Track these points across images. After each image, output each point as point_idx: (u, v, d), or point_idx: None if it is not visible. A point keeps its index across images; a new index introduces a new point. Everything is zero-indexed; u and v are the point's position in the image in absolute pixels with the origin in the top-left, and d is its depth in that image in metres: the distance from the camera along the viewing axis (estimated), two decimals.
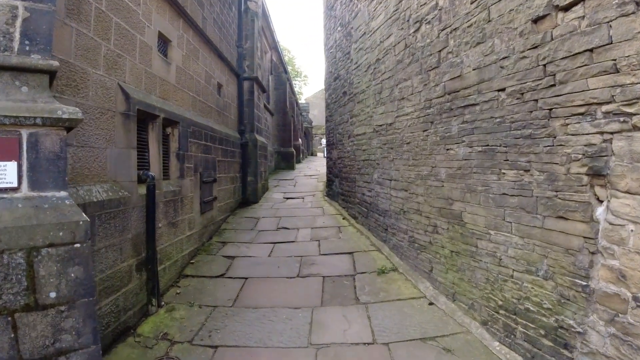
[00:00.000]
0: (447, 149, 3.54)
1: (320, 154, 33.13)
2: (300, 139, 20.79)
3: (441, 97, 3.61)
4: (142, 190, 3.62)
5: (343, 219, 6.74)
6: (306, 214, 7.23)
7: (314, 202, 8.29)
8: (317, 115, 45.76)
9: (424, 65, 3.93)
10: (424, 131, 3.98)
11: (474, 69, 3.05)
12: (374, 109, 5.41)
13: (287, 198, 8.92)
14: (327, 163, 9.22)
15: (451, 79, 3.41)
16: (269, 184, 10.65)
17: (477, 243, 3.06)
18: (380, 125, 5.18)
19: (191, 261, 4.93)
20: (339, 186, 7.62)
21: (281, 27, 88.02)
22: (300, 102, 30.30)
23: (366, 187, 5.85)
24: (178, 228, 4.53)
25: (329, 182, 8.71)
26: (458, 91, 3.31)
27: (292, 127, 16.22)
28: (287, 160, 15.16)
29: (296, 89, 30.54)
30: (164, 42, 4.40)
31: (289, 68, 27.09)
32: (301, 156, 20.08)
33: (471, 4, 3.06)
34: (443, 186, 3.61)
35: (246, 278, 4.48)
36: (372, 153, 5.56)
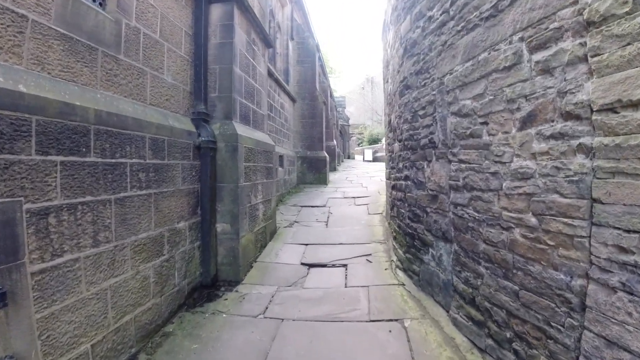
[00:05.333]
0: None
1: (358, 157, 27.93)
2: (334, 139, 15.91)
3: None
4: None
5: None
6: None
7: (375, 299, 3.30)
8: (353, 113, 41.11)
9: None
10: None
11: None
12: None
13: (310, 265, 4.08)
14: (393, 188, 4.27)
15: None
16: (280, 217, 5.90)
17: None
18: None
19: None
20: (454, 270, 2.65)
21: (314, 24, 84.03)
22: (335, 97, 25.56)
23: None
24: None
25: (413, 244, 3.70)
26: None
27: (323, 121, 11.17)
28: (316, 170, 10.25)
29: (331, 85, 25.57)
30: None
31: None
32: (337, 161, 15.18)
33: None
34: None
35: None
36: None
